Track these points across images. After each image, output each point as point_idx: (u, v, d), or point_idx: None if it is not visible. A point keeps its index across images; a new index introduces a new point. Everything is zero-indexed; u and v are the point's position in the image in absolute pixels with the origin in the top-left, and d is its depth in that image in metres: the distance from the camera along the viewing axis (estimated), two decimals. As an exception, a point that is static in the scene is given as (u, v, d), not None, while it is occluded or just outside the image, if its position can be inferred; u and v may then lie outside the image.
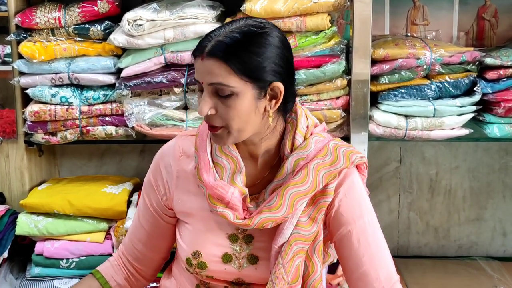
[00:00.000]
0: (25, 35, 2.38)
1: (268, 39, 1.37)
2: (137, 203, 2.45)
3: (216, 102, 1.37)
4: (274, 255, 1.44)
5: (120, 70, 2.37)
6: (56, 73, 2.38)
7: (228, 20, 2.32)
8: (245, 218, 1.44)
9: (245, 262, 1.49)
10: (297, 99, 2.30)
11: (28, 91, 2.40)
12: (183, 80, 2.33)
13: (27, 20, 2.35)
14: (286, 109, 1.47)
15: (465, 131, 2.38)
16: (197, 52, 1.37)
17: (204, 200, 1.47)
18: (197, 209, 1.51)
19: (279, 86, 1.40)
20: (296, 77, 2.26)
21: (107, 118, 2.41)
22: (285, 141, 1.47)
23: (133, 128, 2.40)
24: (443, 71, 2.35)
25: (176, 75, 2.33)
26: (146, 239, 1.63)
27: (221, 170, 1.46)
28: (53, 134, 2.43)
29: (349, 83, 2.33)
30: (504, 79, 2.36)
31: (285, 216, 1.42)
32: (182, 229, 1.55)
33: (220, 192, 1.43)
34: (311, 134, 1.49)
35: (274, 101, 1.41)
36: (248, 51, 1.35)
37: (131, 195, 2.51)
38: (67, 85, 2.41)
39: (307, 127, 1.49)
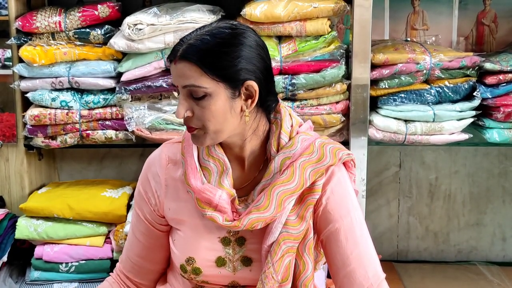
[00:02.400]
0: (25, 39, 2.39)
1: (240, 39, 1.39)
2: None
3: (191, 104, 1.39)
4: (264, 254, 1.45)
5: (120, 74, 2.37)
6: (56, 77, 2.38)
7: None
8: (234, 219, 1.44)
9: (239, 265, 1.49)
10: (297, 103, 2.33)
11: (28, 95, 2.40)
12: (183, 84, 2.33)
13: (27, 24, 2.35)
14: (269, 109, 1.48)
15: (465, 136, 2.38)
16: (171, 57, 1.40)
17: (194, 205, 1.47)
18: (188, 215, 1.51)
19: (253, 85, 1.40)
20: (296, 81, 2.29)
21: (107, 122, 2.41)
22: (270, 141, 1.48)
23: (133, 132, 2.40)
24: (443, 76, 2.36)
25: (176, 79, 2.33)
26: (143, 252, 1.62)
27: (208, 173, 1.47)
28: (53, 138, 2.43)
29: (348, 88, 2.34)
30: (503, 84, 2.36)
31: (274, 215, 1.42)
32: (175, 236, 1.54)
33: (207, 195, 1.44)
34: (297, 133, 1.49)
35: (250, 100, 1.42)
36: (218, 52, 1.37)
37: (130, 199, 2.51)
38: (67, 89, 2.41)
39: (292, 126, 1.49)
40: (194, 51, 1.36)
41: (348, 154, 1.49)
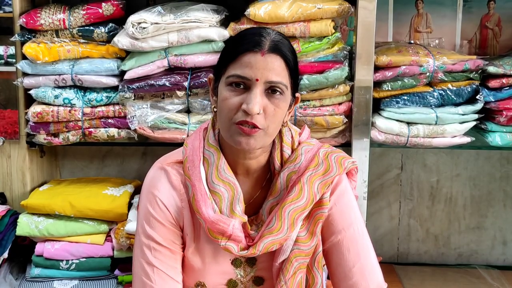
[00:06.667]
0: (29, 36, 2.39)
1: None
2: (138, 206, 2.44)
3: (265, 102, 1.33)
4: (276, 272, 1.43)
5: (123, 73, 2.38)
6: (59, 75, 2.38)
7: (232, 24, 2.32)
8: (248, 246, 1.40)
9: (251, 285, 1.47)
10: (300, 104, 2.33)
11: (31, 92, 2.40)
12: (186, 84, 2.33)
13: (31, 21, 2.35)
14: None
15: (467, 139, 2.38)
16: (256, 47, 1.33)
17: (203, 229, 1.42)
18: (196, 238, 1.46)
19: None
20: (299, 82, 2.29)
21: (109, 120, 2.41)
22: (273, 155, 1.44)
23: (135, 130, 2.40)
24: (446, 79, 2.36)
25: (179, 78, 2.33)
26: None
27: (219, 199, 1.40)
28: (55, 135, 2.43)
29: (351, 89, 2.34)
30: (506, 88, 2.36)
31: (288, 236, 1.39)
32: (183, 259, 1.49)
33: (221, 226, 1.38)
34: (299, 144, 1.46)
35: (288, 112, 1.42)
36: (296, 56, 1.39)
37: (132, 197, 2.51)
38: (70, 87, 2.41)
39: (292, 137, 1.47)
40: (286, 48, 1.35)
41: (353, 162, 1.48)
